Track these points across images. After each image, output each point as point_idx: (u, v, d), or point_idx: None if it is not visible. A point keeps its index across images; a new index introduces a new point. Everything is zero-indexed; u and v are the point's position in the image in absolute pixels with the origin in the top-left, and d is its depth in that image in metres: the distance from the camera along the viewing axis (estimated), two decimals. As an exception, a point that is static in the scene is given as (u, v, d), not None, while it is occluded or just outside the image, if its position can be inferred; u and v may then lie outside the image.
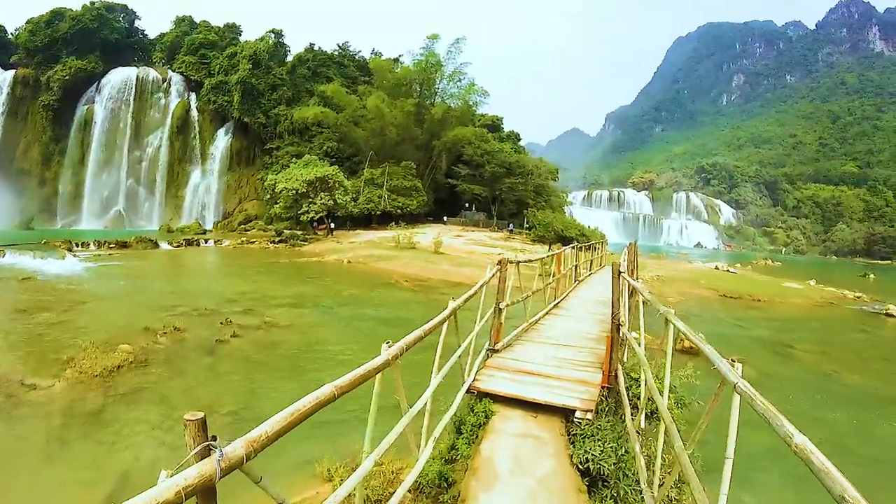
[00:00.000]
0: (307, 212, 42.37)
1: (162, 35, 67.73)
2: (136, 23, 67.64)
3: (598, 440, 4.30)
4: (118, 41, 62.29)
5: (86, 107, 58.71)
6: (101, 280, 19.98)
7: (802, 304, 24.53)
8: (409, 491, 3.64)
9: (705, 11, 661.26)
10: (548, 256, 12.22)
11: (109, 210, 57.01)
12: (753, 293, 25.08)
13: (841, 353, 14.92)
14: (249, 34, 69.34)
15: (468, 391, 5.20)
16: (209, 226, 55.18)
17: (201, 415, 1.59)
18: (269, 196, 48.25)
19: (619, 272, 5.98)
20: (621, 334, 5.64)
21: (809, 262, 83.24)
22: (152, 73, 61.52)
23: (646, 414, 4.63)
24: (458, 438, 4.72)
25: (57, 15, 58.59)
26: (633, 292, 7.47)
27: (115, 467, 6.12)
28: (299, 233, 43.11)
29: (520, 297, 7.94)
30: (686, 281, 27.54)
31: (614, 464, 4.12)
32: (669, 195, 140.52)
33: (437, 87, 58.16)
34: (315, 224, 45.38)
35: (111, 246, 31.27)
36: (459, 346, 4.98)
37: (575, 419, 4.71)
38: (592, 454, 4.12)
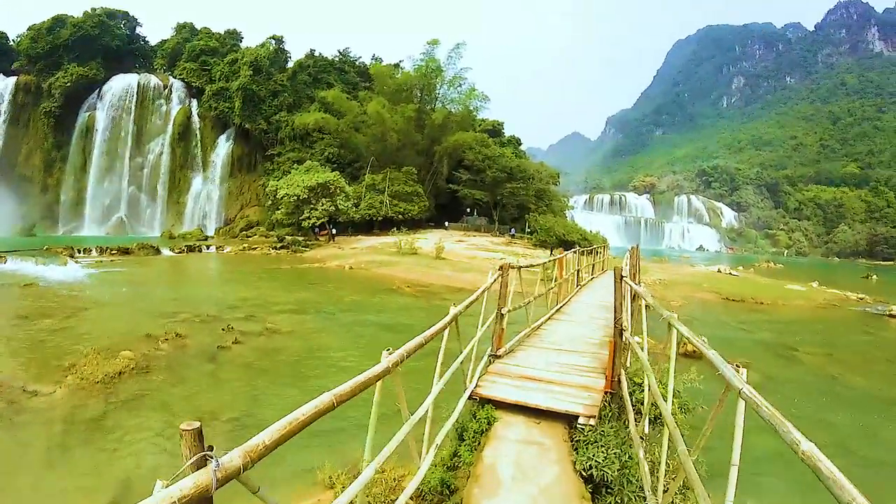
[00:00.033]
0: (309, 218, 42.51)
1: (163, 42, 68.06)
2: (138, 29, 67.99)
3: (602, 446, 4.26)
4: (119, 48, 62.64)
5: (87, 113, 58.99)
6: (103, 286, 20.00)
7: (805, 306, 24.42)
8: (411, 498, 3.61)
9: (705, 12, 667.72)
10: (550, 261, 12.21)
11: (111, 217, 57.11)
12: (756, 296, 24.99)
13: (845, 356, 14.83)
14: (250, 41, 69.60)
15: (470, 397, 5.17)
16: (211, 232, 55.22)
17: (197, 424, 1.57)
18: (270, 202, 48.45)
19: (622, 276, 5.97)
20: (624, 339, 5.61)
21: (812, 264, 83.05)
22: (153, 80, 61.76)
23: (649, 419, 4.60)
24: (460, 445, 4.69)
25: (58, 22, 58.82)
26: (635, 296, 7.44)
27: (116, 474, 6.10)
28: (301, 239, 43.10)
29: (522, 302, 7.92)
30: (688, 284, 27.46)
31: (618, 470, 4.08)
32: (671, 198, 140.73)
33: (437, 92, 58.39)
34: (317, 230, 45.48)
35: (113, 252, 31.39)
36: (461, 352, 4.95)
37: (578, 425, 4.68)
38: (596, 460, 4.08)
